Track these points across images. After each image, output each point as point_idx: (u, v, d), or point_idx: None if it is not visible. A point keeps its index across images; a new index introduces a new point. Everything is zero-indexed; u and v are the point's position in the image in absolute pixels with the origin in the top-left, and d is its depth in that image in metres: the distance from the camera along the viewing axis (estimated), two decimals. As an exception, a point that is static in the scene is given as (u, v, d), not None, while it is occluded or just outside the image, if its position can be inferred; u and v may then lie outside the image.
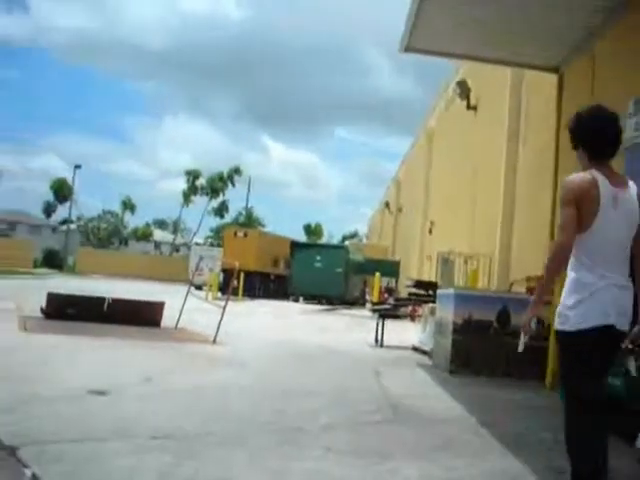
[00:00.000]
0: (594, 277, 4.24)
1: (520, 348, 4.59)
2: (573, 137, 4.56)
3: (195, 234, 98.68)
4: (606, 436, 4.19)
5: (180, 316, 15.11)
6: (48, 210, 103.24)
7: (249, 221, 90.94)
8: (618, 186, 4.31)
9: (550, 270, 4.34)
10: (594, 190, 4.22)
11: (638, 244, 4.39)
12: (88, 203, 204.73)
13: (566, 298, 4.34)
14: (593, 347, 4.24)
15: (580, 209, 4.22)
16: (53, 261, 75.82)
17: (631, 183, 4.46)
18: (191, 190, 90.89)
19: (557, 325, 4.40)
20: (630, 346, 4.70)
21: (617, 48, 11.22)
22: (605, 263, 4.26)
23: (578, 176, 4.33)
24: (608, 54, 11.56)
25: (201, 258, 27.87)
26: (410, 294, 18.79)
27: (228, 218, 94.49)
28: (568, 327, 4.30)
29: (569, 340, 4.34)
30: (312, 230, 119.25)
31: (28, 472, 4.27)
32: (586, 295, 4.22)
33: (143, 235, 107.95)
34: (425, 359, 12.99)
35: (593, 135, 4.43)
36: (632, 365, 5.40)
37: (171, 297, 18.62)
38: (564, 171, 12.94)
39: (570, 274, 4.35)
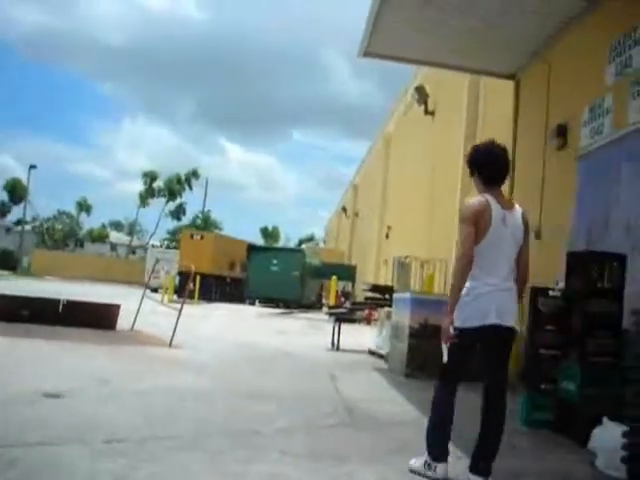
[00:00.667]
0: (479, 283, 5.13)
1: (444, 358, 5.29)
2: (470, 166, 5.51)
3: (152, 236, 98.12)
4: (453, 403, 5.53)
5: (136, 319, 15.01)
6: (2, 210, 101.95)
7: (206, 224, 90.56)
8: (506, 208, 5.26)
9: (457, 278, 5.17)
10: (487, 211, 5.12)
11: (521, 256, 5.33)
12: (43, 204, 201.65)
13: (460, 300, 5.14)
14: (471, 339, 5.21)
15: (476, 226, 5.10)
16: (7, 262, 74.80)
17: (517, 206, 5.43)
18: (148, 192, 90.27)
19: (454, 321, 5.19)
20: None
21: (572, 55, 11.37)
22: (492, 271, 5.15)
23: (475, 199, 5.25)
24: (563, 61, 11.71)
25: (157, 260, 27.72)
26: (366, 298, 18.88)
27: (185, 220, 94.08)
28: (456, 324, 5.17)
29: (456, 334, 5.17)
30: (269, 233, 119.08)
31: (-18, 476, 4.23)
32: (471, 299, 5.13)
33: (99, 237, 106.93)
34: (381, 363, 13.05)
35: (486, 165, 5.36)
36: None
37: (127, 300, 18.51)
38: (520, 176, 13.10)
39: (470, 277, 5.15)
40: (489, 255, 5.14)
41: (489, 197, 5.20)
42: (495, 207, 5.16)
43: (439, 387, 5.55)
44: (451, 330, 5.17)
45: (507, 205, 5.32)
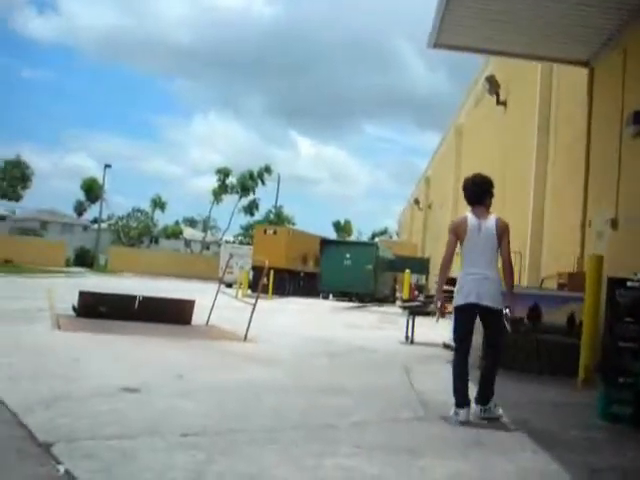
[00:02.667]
0: (465, 274, 7.30)
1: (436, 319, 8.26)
2: (464, 192, 7.65)
3: (225, 232, 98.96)
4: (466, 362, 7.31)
5: (211, 314, 15.17)
6: (79, 209, 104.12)
7: (279, 219, 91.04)
8: (481, 219, 7.26)
9: (441, 272, 7.76)
10: (464, 224, 7.30)
11: (502, 252, 7.34)
12: (118, 202, 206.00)
13: (456, 286, 7.41)
14: (464, 315, 7.32)
15: (457, 235, 7.30)
16: (84, 260, 76.34)
17: (492, 216, 7.35)
18: (221, 189, 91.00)
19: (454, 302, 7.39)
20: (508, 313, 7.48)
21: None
22: (472, 264, 7.23)
23: (458, 216, 7.80)
24: (639, 46, 11.45)
25: (231, 256, 27.91)
26: (440, 291, 18.71)
27: (258, 216, 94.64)
28: (454, 304, 7.36)
29: (455, 311, 7.40)
30: (341, 227, 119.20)
31: (61, 468, 4.31)
32: (460, 285, 7.34)
33: (173, 233, 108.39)
34: (456, 356, 12.94)
35: (464, 192, 7.65)
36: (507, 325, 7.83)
37: (201, 295, 18.71)
38: (595, 165, 12.88)
39: (461, 272, 7.36)
40: (469, 253, 7.25)
41: (469, 213, 7.38)
42: (471, 219, 7.27)
43: (454, 352, 7.57)
44: (438, 304, 8.31)
45: (483, 217, 7.28)
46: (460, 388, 7.04)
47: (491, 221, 7.26)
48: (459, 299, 7.26)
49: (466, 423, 6.77)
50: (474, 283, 7.15)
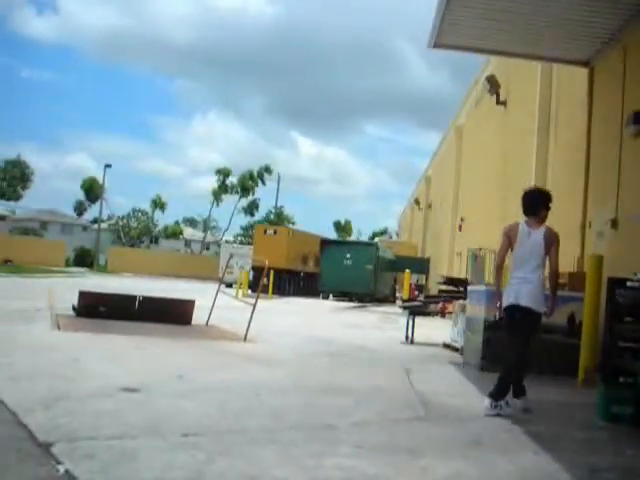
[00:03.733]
0: (511, 278, 7.90)
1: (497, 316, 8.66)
2: (522, 202, 8.14)
3: (225, 232, 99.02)
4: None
5: (211, 314, 15.17)
6: (79, 209, 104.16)
7: (279, 219, 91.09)
8: (532, 228, 7.85)
9: (495, 273, 8.41)
10: (514, 230, 7.93)
11: (550, 260, 7.82)
12: (118, 202, 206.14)
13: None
14: (509, 315, 7.81)
15: (509, 238, 7.94)
16: (84, 260, 76.50)
17: (543, 227, 7.89)
18: (221, 189, 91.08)
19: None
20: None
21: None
22: (518, 269, 7.81)
23: (512, 222, 8.25)
24: (639, 46, 11.45)
25: (231, 256, 27.91)
26: (440, 291, 18.75)
27: (258, 216, 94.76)
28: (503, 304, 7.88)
29: (503, 312, 7.94)
30: (342, 227, 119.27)
31: (61, 468, 4.30)
32: (506, 288, 7.90)
33: (173, 233, 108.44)
34: (456, 356, 12.96)
35: (523, 204, 8.12)
36: None
37: (201, 295, 18.72)
38: (595, 165, 12.87)
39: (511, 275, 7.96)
40: (517, 258, 7.87)
41: (521, 221, 8.01)
42: (522, 227, 7.89)
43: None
44: (497, 304, 8.09)
45: (533, 227, 7.87)
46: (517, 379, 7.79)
47: (540, 230, 7.82)
48: (504, 301, 7.85)
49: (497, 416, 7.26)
50: (516, 286, 7.72)
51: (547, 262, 7.90)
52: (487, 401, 7.39)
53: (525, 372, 7.92)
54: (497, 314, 8.39)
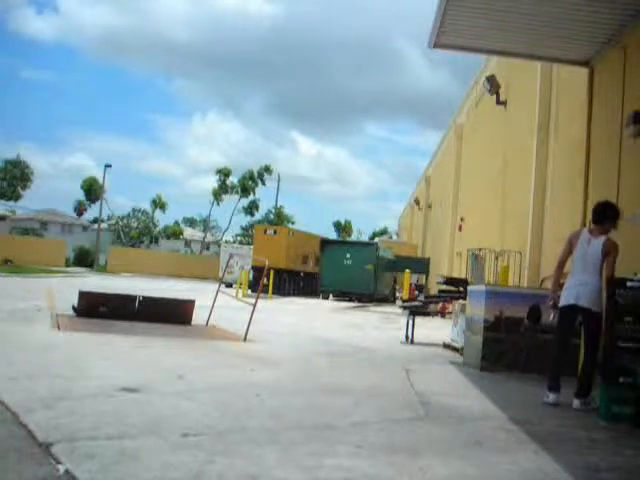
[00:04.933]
0: (569, 279, 8.64)
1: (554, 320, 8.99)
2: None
3: (225, 232, 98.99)
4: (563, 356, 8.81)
5: (211, 314, 15.18)
6: (79, 209, 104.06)
7: (279, 219, 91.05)
8: (593, 236, 8.55)
9: (555, 273, 8.98)
10: (576, 236, 8.69)
11: (607, 266, 8.41)
12: (119, 202, 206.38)
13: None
14: (565, 313, 8.59)
15: (571, 243, 8.66)
16: (84, 260, 76.48)
17: (603, 237, 8.51)
18: (221, 189, 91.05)
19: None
20: None
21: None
22: (577, 271, 8.54)
23: (575, 230, 9.25)
24: (639, 46, 11.45)
25: (231, 256, 27.93)
26: (440, 291, 18.75)
27: (258, 216, 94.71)
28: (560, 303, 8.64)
29: (559, 310, 8.69)
30: (342, 227, 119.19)
31: (61, 468, 4.30)
32: (564, 289, 8.61)
33: (173, 233, 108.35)
34: (456, 356, 12.96)
35: (593, 213, 8.87)
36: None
37: (202, 295, 18.73)
38: (595, 165, 12.86)
39: (568, 276, 8.64)
40: (576, 262, 8.57)
41: (584, 229, 9.03)
42: (583, 234, 8.67)
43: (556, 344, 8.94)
44: (551, 302, 8.86)
45: (595, 234, 8.54)
46: (553, 373, 8.45)
47: (600, 239, 8.47)
48: (562, 301, 8.58)
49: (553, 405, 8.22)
50: (575, 288, 8.44)
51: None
52: (576, 401, 8.16)
53: (594, 372, 8.35)
54: (552, 313, 8.92)
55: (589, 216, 13.51)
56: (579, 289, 8.38)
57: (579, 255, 8.52)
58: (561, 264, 8.80)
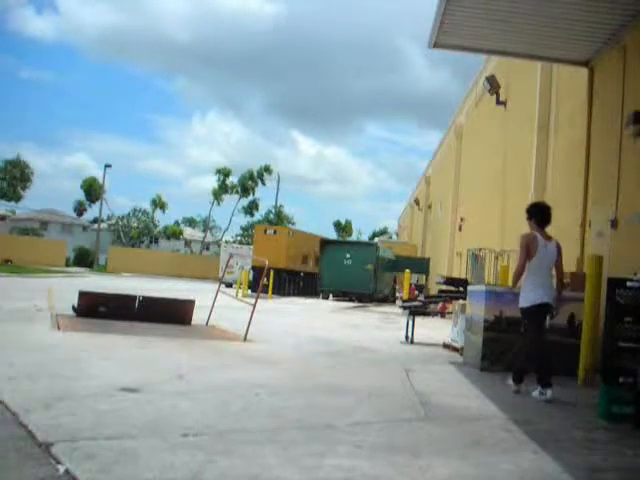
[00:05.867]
0: (535, 280, 9.02)
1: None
2: (528, 215, 9.37)
3: (225, 232, 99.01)
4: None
5: (211, 314, 15.18)
6: (79, 209, 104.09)
7: (279, 219, 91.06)
8: (546, 240, 9.11)
9: (514, 278, 9.35)
10: (535, 241, 9.04)
11: (557, 267, 9.29)
12: (119, 202, 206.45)
13: (523, 291, 9.16)
14: (539, 312, 9.03)
15: (528, 249, 9.01)
16: (84, 260, 76.51)
17: (554, 239, 9.21)
18: (221, 189, 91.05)
19: (520, 304, 9.18)
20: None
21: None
22: (542, 273, 9.06)
23: (529, 233, 9.20)
24: (639, 46, 11.45)
25: (231, 256, 27.95)
26: (440, 291, 18.74)
27: (258, 216, 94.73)
28: (524, 305, 9.10)
29: (525, 310, 9.12)
30: (342, 227, 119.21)
31: (61, 468, 4.30)
32: (530, 289, 9.04)
33: (173, 233, 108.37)
34: (456, 356, 12.96)
35: (538, 216, 9.30)
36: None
37: (201, 295, 18.72)
38: (595, 165, 12.85)
39: (527, 279, 9.12)
40: (540, 265, 9.04)
41: (537, 233, 9.13)
42: (540, 239, 9.06)
43: (533, 341, 9.11)
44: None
45: (547, 238, 9.15)
46: (540, 370, 8.85)
47: (553, 243, 9.21)
48: (532, 300, 9.01)
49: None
50: (543, 288, 9.02)
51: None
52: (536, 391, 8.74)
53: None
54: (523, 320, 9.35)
55: (589, 216, 13.56)
56: (546, 289, 9.05)
57: (541, 258, 9.04)
58: (524, 268, 9.14)
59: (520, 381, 9.12)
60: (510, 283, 9.93)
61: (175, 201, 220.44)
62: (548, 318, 9.44)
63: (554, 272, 9.40)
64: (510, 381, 9.22)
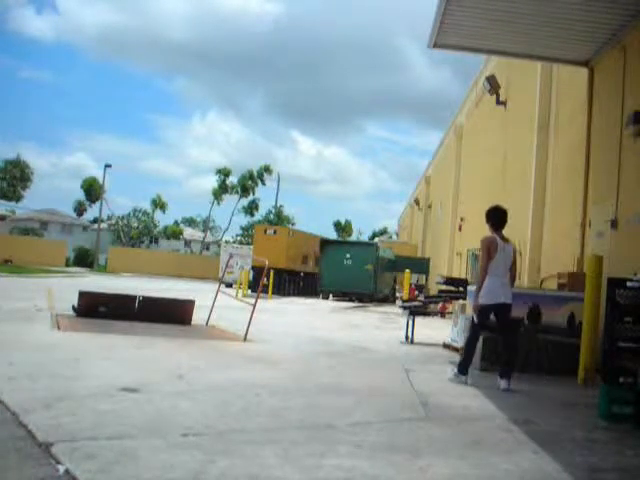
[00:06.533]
0: (494, 280, 9.51)
1: (475, 319, 9.73)
2: (487, 218, 9.99)
3: (225, 232, 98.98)
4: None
5: (211, 314, 15.18)
6: (79, 209, 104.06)
7: (279, 219, 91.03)
8: (504, 242, 9.68)
9: (480, 279, 9.65)
10: (493, 243, 9.59)
11: (513, 266, 9.81)
12: (119, 202, 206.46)
13: (484, 289, 9.53)
14: (492, 310, 9.63)
15: (489, 251, 9.55)
16: (84, 260, 76.45)
17: (510, 243, 9.81)
18: (221, 189, 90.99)
19: (480, 301, 9.57)
20: None
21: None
22: (501, 274, 9.56)
23: (490, 236, 9.74)
24: (639, 46, 11.45)
25: (231, 256, 27.94)
26: (440, 291, 18.74)
27: (258, 216, 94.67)
28: (482, 302, 9.53)
29: (483, 306, 9.56)
30: (342, 227, 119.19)
31: (61, 468, 4.30)
32: (490, 289, 9.50)
33: (173, 233, 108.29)
34: (456, 356, 12.94)
35: (494, 219, 9.92)
36: None
37: (201, 295, 18.71)
38: (595, 165, 12.85)
39: (487, 279, 9.54)
40: (498, 266, 9.56)
41: (496, 236, 9.71)
42: (499, 241, 9.64)
43: (472, 334, 9.90)
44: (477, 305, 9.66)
45: (505, 240, 9.75)
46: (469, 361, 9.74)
47: (510, 244, 9.85)
48: (492, 299, 9.55)
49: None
50: (502, 288, 9.59)
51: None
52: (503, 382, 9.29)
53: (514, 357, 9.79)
54: (475, 314, 9.70)
55: (589, 216, 13.57)
56: (504, 289, 9.62)
57: (501, 259, 9.61)
58: (487, 270, 9.58)
59: (465, 372, 9.67)
60: (477, 281, 10.14)
61: (175, 201, 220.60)
62: (505, 315, 9.71)
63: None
64: (500, 380, 9.39)
